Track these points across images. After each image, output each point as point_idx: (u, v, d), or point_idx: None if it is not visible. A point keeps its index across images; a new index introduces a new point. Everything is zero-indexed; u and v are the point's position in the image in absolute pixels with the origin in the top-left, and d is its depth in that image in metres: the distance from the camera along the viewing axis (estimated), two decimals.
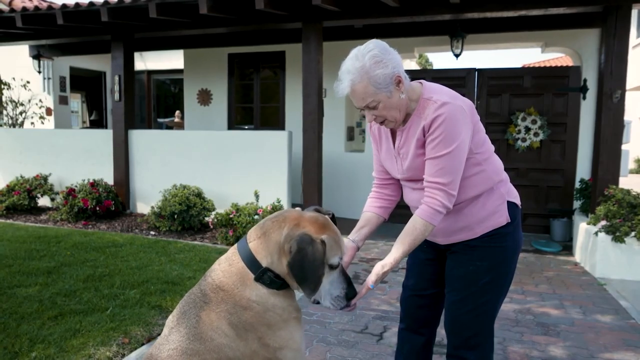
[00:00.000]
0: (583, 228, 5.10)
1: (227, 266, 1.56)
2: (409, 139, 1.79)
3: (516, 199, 1.90)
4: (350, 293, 1.63)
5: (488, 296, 1.84)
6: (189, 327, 1.51)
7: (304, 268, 1.46)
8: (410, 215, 1.82)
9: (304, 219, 1.56)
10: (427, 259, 2.04)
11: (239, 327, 1.50)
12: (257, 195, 5.63)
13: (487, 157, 1.82)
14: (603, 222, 4.70)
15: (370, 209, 1.99)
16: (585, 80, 6.12)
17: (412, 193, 1.88)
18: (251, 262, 1.54)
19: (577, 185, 6.09)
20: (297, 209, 1.66)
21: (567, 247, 5.76)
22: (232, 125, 8.24)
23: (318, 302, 1.62)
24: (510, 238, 1.85)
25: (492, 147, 1.88)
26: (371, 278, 1.74)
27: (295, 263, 1.46)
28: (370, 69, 1.65)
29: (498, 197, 1.83)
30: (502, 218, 1.83)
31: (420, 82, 1.81)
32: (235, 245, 1.62)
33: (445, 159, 1.67)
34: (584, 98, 6.14)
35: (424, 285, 2.05)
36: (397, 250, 1.73)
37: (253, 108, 8.17)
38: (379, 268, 1.74)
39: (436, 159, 1.69)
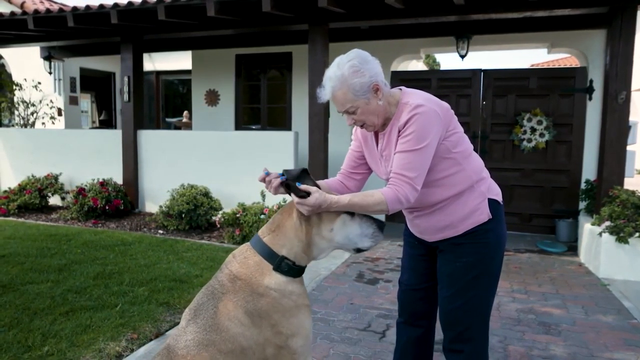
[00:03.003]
0: (587, 229, 5.11)
1: (242, 259, 1.68)
2: (390, 142, 1.88)
3: (497, 196, 1.97)
4: (380, 224, 1.79)
5: (476, 291, 1.93)
6: (206, 318, 1.59)
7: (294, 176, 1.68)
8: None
9: None
10: (419, 254, 2.14)
11: (254, 315, 1.59)
12: (263, 195, 5.71)
13: (466, 156, 1.89)
14: (607, 223, 4.71)
15: (331, 184, 2.01)
16: (591, 81, 6.12)
17: None
18: (268, 254, 1.67)
19: (583, 186, 6.09)
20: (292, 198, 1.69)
21: (572, 247, 5.77)
22: (239, 126, 8.31)
23: (360, 250, 1.79)
24: (492, 234, 1.92)
25: (471, 146, 1.95)
26: (310, 188, 1.66)
27: (288, 176, 1.67)
28: (348, 77, 1.77)
29: (478, 195, 1.91)
30: (484, 215, 1.91)
31: (400, 89, 1.91)
32: (248, 243, 1.74)
33: (414, 154, 1.75)
34: (590, 99, 6.14)
35: (418, 280, 2.15)
36: (344, 198, 1.71)
37: (260, 109, 8.24)
38: (323, 196, 1.66)
39: (405, 153, 1.76)
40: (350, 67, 1.77)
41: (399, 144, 1.79)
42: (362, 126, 1.90)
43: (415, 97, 1.84)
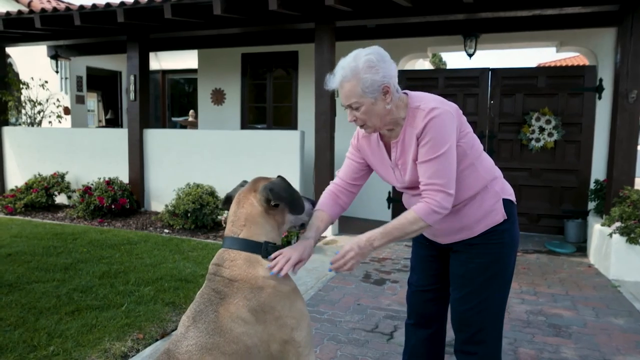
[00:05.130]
0: (597, 229, 5.05)
1: (230, 263, 1.65)
2: (405, 150, 1.82)
3: (511, 195, 1.94)
4: (312, 202, 1.92)
5: (489, 292, 1.90)
6: (208, 322, 1.55)
7: (288, 193, 1.69)
8: None
9: (254, 185, 1.75)
10: (430, 255, 2.10)
11: (258, 311, 1.59)
12: None
13: (478, 156, 1.86)
14: (617, 224, 4.65)
15: (328, 209, 1.97)
16: (601, 80, 6.05)
17: (412, 199, 1.92)
18: (252, 246, 1.67)
19: (592, 186, 6.02)
20: (239, 193, 1.77)
21: (581, 248, 5.71)
22: (245, 125, 8.30)
23: (303, 226, 1.88)
24: (508, 234, 1.90)
25: (481, 146, 1.92)
26: (355, 248, 1.74)
27: (280, 197, 1.67)
28: (361, 71, 1.70)
29: (493, 195, 1.88)
30: (499, 216, 1.88)
31: (406, 93, 1.84)
32: (223, 249, 1.71)
33: (439, 161, 1.71)
34: (600, 98, 6.07)
35: (428, 281, 2.11)
36: (376, 231, 1.76)
37: (266, 108, 8.22)
38: (364, 242, 1.74)
39: (430, 162, 1.72)
40: (366, 61, 1.70)
41: (420, 153, 1.75)
42: (362, 126, 1.84)
43: (425, 100, 1.78)
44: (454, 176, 1.74)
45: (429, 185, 1.73)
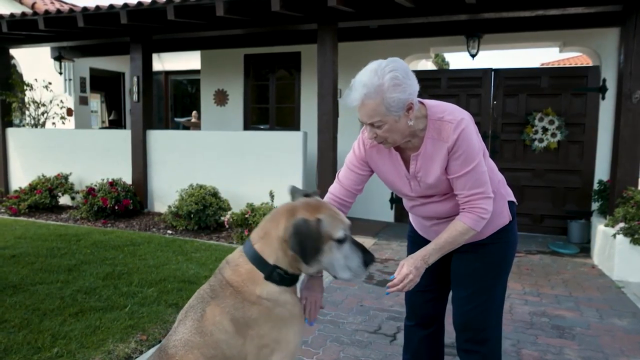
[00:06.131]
0: (601, 230, 5.03)
1: (234, 266, 1.61)
2: (428, 162, 1.78)
3: (512, 196, 2.00)
4: (367, 259, 1.61)
5: (493, 291, 1.94)
6: (194, 320, 1.57)
7: (302, 243, 1.50)
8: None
9: (297, 207, 1.60)
10: None
11: (241, 323, 1.54)
12: (272, 196, 5.69)
13: (486, 159, 1.87)
14: (621, 224, 4.64)
15: None
16: (604, 80, 6.04)
17: (423, 207, 1.94)
18: (259, 262, 1.58)
19: (595, 186, 6.01)
20: (289, 202, 1.68)
21: (585, 249, 5.69)
22: (247, 126, 8.31)
23: (336, 277, 1.65)
24: (512, 234, 1.96)
25: (487, 151, 1.94)
26: (413, 270, 1.74)
27: (294, 243, 1.50)
28: (387, 90, 1.59)
29: (500, 198, 1.91)
30: (506, 218, 1.93)
31: (421, 102, 1.78)
32: (240, 248, 1.66)
33: (475, 171, 1.73)
34: (603, 98, 6.06)
35: (428, 282, 2.09)
36: (429, 247, 1.79)
37: (268, 108, 8.23)
38: (419, 261, 1.75)
39: (468, 174, 1.73)
40: (392, 78, 1.59)
41: (454, 166, 1.73)
42: (381, 142, 1.76)
43: (448, 110, 1.75)
44: (488, 179, 1.78)
45: (472, 195, 1.75)
